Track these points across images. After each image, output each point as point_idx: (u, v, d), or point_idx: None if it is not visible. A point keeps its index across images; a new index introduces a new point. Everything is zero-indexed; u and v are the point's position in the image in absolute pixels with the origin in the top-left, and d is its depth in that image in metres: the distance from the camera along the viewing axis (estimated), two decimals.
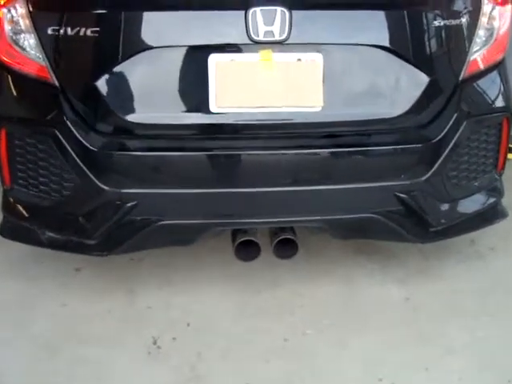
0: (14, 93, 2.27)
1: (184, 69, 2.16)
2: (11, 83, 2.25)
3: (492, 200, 2.56)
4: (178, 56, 2.15)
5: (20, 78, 2.23)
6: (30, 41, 2.18)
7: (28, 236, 2.38)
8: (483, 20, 2.32)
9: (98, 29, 2.12)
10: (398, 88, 2.25)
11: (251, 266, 2.61)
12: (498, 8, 2.33)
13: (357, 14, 2.23)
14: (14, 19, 2.19)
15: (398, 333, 2.39)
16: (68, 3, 2.18)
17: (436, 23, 2.25)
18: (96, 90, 2.15)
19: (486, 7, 2.32)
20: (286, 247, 2.42)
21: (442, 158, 2.31)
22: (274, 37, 2.12)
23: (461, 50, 2.31)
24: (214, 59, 2.15)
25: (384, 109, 2.25)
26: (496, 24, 2.34)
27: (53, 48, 2.17)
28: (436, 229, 2.42)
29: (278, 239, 2.40)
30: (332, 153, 2.26)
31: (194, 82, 2.17)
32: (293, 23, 2.11)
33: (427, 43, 2.28)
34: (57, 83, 2.18)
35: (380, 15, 2.22)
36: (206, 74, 2.15)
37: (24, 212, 2.36)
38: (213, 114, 2.18)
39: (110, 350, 2.30)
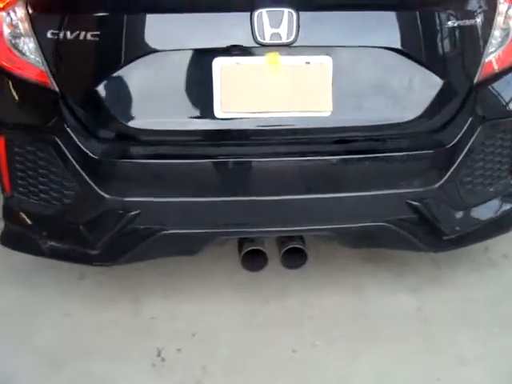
0: (14, 98, 2.17)
1: (187, 73, 2.06)
2: (10, 89, 2.16)
3: (508, 206, 2.43)
4: (181, 60, 2.05)
5: (19, 84, 2.14)
6: (29, 45, 2.09)
7: (29, 245, 2.30)
8: (499, 20, 2.20)
9: (98, 32, 2.03)
10: (410, 91, 2.14)
11: (258, 275, 2.50)
12: None
13: (367, 14, 2.12)
14: (13, 23, 2.10)
15: (409, 343, 2.29)
16: (68, 6, 2.08)
17: (449, 24, 2.13)
18: (97, 95, 2.06)
19: (502, 6, 2.20)
20: (295, 256, 2.32)
21: (455, 164, 2.20)
22: (281, 39, 2.02)
23: (475, 52, 2.19)
24: (218, 63, 2.05)
25: (395, 113, 2.15)
26: None
27: (52, 52, 2.08)
28: (449, 237, 2.31)
29: (286, 248, 2.30)
30: (341, 159, 2.16)
31: (198, 87, 2.08)
32: (300, 25, 2.01)
33: (440, 45, 2.16)
34: (57, 88, 2.09)
35: (391, 16, 2.11)
36: (211, 78, 2.05)
37: (25, 220, 2.27)
38: (218, 119, 2.08)
39: (114, 363, 2.21)
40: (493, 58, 2.22)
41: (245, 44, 2.04)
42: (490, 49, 2.20)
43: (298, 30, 2.01)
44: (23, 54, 2.11)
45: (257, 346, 2.28)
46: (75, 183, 2.13)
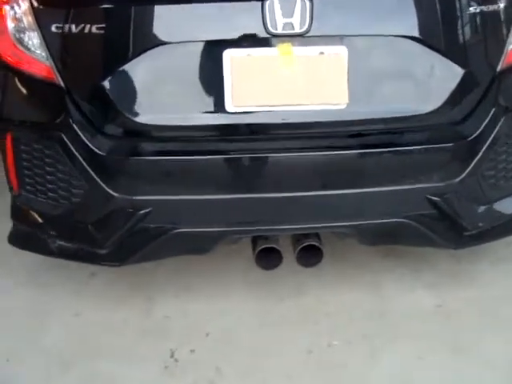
0: (19, 95, 2.09)
1: (197, 66, 1.97)
2: (16, 85, 2.08)
3: None
4: (190, 52, 1.96)
5: (24, 79, 2.06)
6: (33, 39, 2.01)
7: (37, 245, 2.22)
8: None
9: (104, 25, 1.93)
10: (430, 82, 2.03)
11: (273, 272, 2.40)
12: None
13: (383, 1, 2.01)
14: (17, 16, 2.01)
15: (429, 344, 2.19)
16: None
17: (471, 10, 2.01)
18: (104, 90, 1.97)
19: None
20: (310, 254, 2.23)
21: (478, 157, 2.09)
22: (293, 29, 1.91)
23: (498, 39, 2.07)
24: (229, 54, 1.95)
25: (414, 105, 2.04)
26: None
27: (58, 46, 1.99)
28: (471, 233, 2.20)
29: (301, 246, 2.20)
30: (359, 153, 2.05)
31: (208, 80, 1.98)
32: (314, 14, 1.91)
33: (461, 32, 2.05)
34: (62, 84, 2.00)
35: (409, 2, 1.99)
36: (221, 70, 1.95)
37: (33, 219, 2.19)
38: (229, 113, 1.99)
39: (125, 365, 2.14)
40: None
41: (256, 35, 1.93)
42: None
43: (311, 19, 1.91)
44: (28, 49, 2.03)
45: (272, 347, 2.20)
46: (83, 181, 2.05)
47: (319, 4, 1.90)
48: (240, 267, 2.55)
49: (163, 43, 1.94)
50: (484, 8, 2.02)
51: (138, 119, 1.98)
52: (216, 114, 2.00)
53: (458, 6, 2.02)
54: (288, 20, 1.90)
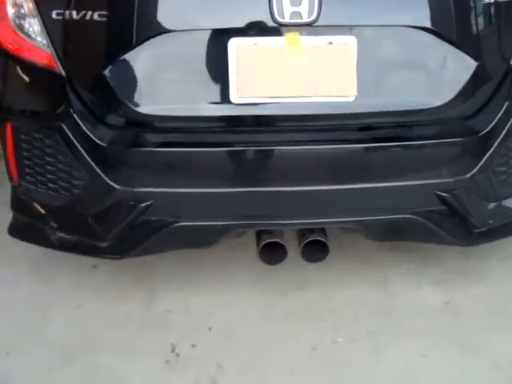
0: (19, 83, 2.02)
1: (201, 55, 1.89)
2: (16, 73, 2.00)
3: None
4: (195, 41, 1.88)
5: (25, 68, 1.99)
6: (34, 26, 1.94)
7: (38, 236, 2.16)
8: None
9: (106, 12, 1.86)
10: (441, 74, 1.94)
11: (277, 266, 2.34)
12: None
13: None
14: (18, 2, 1.94)
15: (435, 341, 2.12)
16: None
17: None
18: (105, 79, 1.90)
19: None
20: (316, 249, 2.16)
21: (489, 153, 2.01)
22: (301, 18, 1.84)
23: None
24: (234, 44, 1.87)
25: (425, 98, 1.96)
26: None
27: (58, 34, 1.92)
28: (480, 230, 2.12)
29: (306, 241, 2.13)
30: (366, 147, 1.97)
31: (212, 70, 1.90)
32: (322, 2, 1.83)
33: (474, 23, 1.96)
34: (63, 72, 1.93)
35: None
36: (226, 60, 1.88)
37: (33, 210, 2.13)
38: (234, 104, 1.91)
39: (127, 359, 2.08)
40: None
41: (263, 23, 1.86)
42: None
43: (319, 8, 1.83)
44: (28, 36, 1.96)
45: (275, 343, 2.13)
46: (83, 172, 1.98)
47: None
48: (244, 260, 2.48)
49: (167, 31, 1.87)
50: None
51: (140, 109, 1.91)
52: (220, 105, 1.93)
53: None
54: (296, 9, 1.82)
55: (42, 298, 2.34)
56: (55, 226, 2.11)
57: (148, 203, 1.97)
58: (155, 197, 1.97)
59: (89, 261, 2.44)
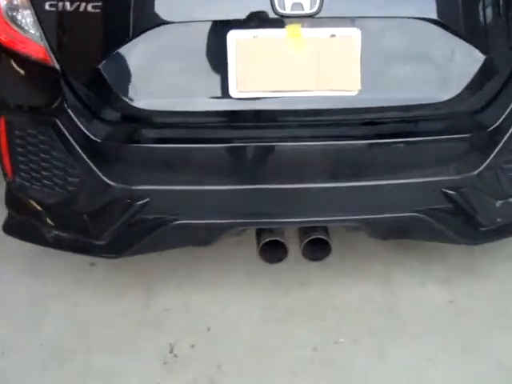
0: (13, 77, 1.92)
1: (199, 48, 1.80)
2: (9, 66, 1.91)
3: None
4: (193, 33, 1.79)
5: (18, 61, 1.89)
6: (27, 18, 1.84)
7: (33, 234, 2.08)
8: None
9: (101, 3, 1.77)
10: (448, 68, 1.85)
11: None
12: None
13: None
14: None
15: (440, 342, 2.05)
16: None
17: None
18: (101, 73, 1.80)
19: None
20: (317, 248, 2.07)
21: (497, 149, 1.91)
22: (303, 10, 1.74)
23: None
24: (233, 36, 1.78)
25: (431, 92, 1.86)
26: None
27: (52, 26, 1.83)
28: (487, 229, 2.02)
29: (308, 239, 2.04)
30: (370, 143, 1.88)
31: (211, 63, 1.81)
32: None
33: (482, 14, 1.85)
34: (57, 66, 1.84)
35: None
36: (225, 53, 1.78)
37: (28, 208, 2.04)
38: (233, 99, 1.82)
39: (124, 359, 2.01)
40: None
41: (263, 15, 1.76)
42: None
43: None
44: (21, 29, 1.87)
45: (275, 343, 2.05)
46: (78, 169, 1.90)
47: None
48: (245, 257, 2.39)
49: (164, 23, 1.78)
50: None
51: (137, 104, 1.82)
52: (219, 100, 1.83)
53: None
54: (297, 0, 1.72)
55: (39, 295, 2.26)
56: (50, 223, 2.03)
57: (145, 201, 1.89)
58: (152, 194, 1.88)
59: (87, 257, 2.34)
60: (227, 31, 1.77)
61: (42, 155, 1.93)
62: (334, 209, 1.95)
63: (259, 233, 2.09)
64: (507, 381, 1.91)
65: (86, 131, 1.84)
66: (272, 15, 1.75)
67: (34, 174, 1.98)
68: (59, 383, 1.94)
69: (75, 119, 1.83)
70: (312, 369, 1.96)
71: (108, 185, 1.87)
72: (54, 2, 1.78)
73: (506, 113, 1.88)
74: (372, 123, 1.88)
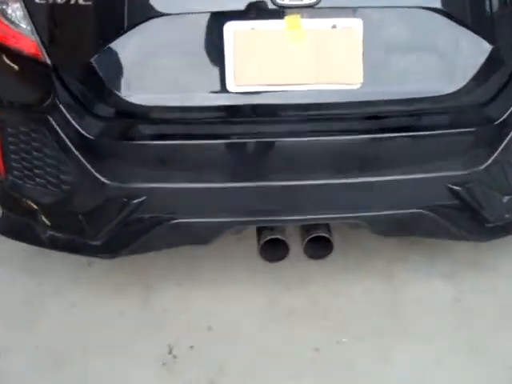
0: (3, 73, 1.84)
1: (195, 40, 1.72)
2: (1, 62, 1.82)
3: None
4: (188, 25, 1.71)
5: (9, 56, 1.81)
6: (17, 12, 1.76)
7: (27, 234, 2.00)
8: None
9: None
10: (454, 59, 1.76)
11: None
12: None
13: None
14: None
15: (447, 342, 1.98)
16: None
17: None
18: (93, 67, 1.72)
19: None
20: (319, 245, 2.00)
21: (505, 143, 1.83)
22: (302, 0, 1.65)
23: None
24: (230, 28, 1.70)
25: (436, 84, 1.78)
26: None
27: (43, 19, 1.75)
28: (494, 225, 1.94)
29: (310, 237, 1.96)
30: (374, 138, 1.80)
31: (207, 56, 1.73)
32: None
33: (488, 2, 1.76)
34: (48, 61, 1.76)
35: None
36: (222, 45, 1.71)
37: (22, 207, 1.97)
38: (231, 93, 1.74)
39: (121, 361, 1.94)
40: None
41: (261, 6, 1.68)
42: None
43: None
44: (12, 22, 1.78)
45: (277, 343, 1.99)
46: (72, 167, 1.82)
47: None
48: (245, 253, 2.31)
49: (158, 15, 1.70)
50: None
51: (131, 99, 1.74)
52: (216, 94, 1.75)
53: None
54: None
55: (35, 294, 2.19)
56: (44, 223, 1.95)
57: (141, 199, 1.81)
58: (148, 193, 1.81)
59: None
60: (224, 23, 1.69)
61: (35, 153, 1.86)
62: (335, 206, 1.88)
63: (260, 231, 2.01)
64: None
65: (78, 128, 1.76)
66: (271, 6, 1.67)
67: (26, 172, 1.90)
68: None
69: (67, 115, 1.76)
70: (314, 370, 1.90)
71: (102, 183, 1.80)
72: None
73: None
74: (375, 117, 1.80)
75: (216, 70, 1.73)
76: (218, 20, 1.70)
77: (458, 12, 1.75)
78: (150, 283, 2.22)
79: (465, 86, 1.77)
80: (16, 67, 1.82)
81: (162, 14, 1.69)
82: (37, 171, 1.88)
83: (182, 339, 2.00)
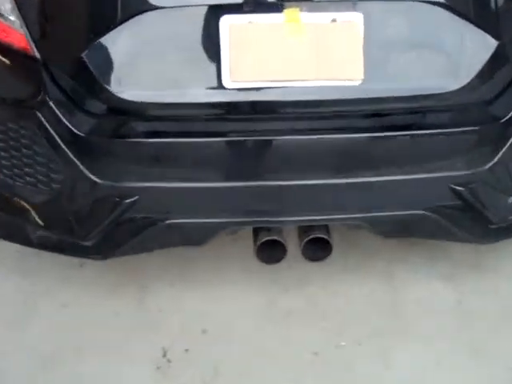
0: None
1: (190, 35, 1.63)
2: None
3: None
4: (183, 19, 1.62)
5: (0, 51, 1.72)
6: (5, 4, 1.67)
7: (16, 234, 1.92)
8: None
9: None
10: (458, 55, 1.68)
11: None
12: None
13: None
14: None
15: (447, 343, 1.92)
16: None
17: None
18: (84, 62, 1.63)
19: None
20: (318, 247, 1.92)
21: (510, 142, 1.74)
22: None
23: None
24: (226, 22, 1.61)
25: (439, 81, 1.69)
26: None
27: (32, 12, 1.66)
28: (498, 226, 1.86)
29: (308, 238, 1.88)
30: (374, 137, 1.71)
31: (202, 51, 1.64)
32: None
33: None
34: (38, 55, 1.67)
35: None
36: (218, 40, 1.62)
37: (11, 206, 1.88)
38: (227, 89, 1.65)
39: (115, 364, 1.89)
40: None
41: None
42: None
43: None
44: (1, 16, 1.69)
45: (274, 347, 1.92)
46: (62, 165, 1.73)
47: None
48: (242, 253, 2.23)
49: (152, 8, 1.60)
50: None
51: (123, 95, 1.65)
52: (212, 91, 1.67)
53: None
54: None
55: (28, 294, 2.13)
56: (35, 223, 1.86)
57: (133, 199, 1.73)
58: (141, 192, 1.73)
59: None
60: (220, 16, 1.60)
61: (24, 150, 1.76)
62: (335, 206, 1.80)
63: (256, 231, 1.93)
64: None
65: (69, 125, 1.67)
66: None
67: (16, 171, 1.81)
68: None
69: (57, 112, 1.67)
70: (312, 374, 1.84)
71: (94, 182, 1.71)
72: None
73: None
74: (376, 115, 1.71)
75: (211, 66, 1.64)
76: (213, 13, 1.61)
77: (462, 6, 1.66)
78: (145, 283, 2.15)
79: (469, 83, 1.68)
80: (4, 61, 1.73)
81: (155, 7, 1.60)
82: (27, 169, 1.79)
83: (176, 342, 1.94)
